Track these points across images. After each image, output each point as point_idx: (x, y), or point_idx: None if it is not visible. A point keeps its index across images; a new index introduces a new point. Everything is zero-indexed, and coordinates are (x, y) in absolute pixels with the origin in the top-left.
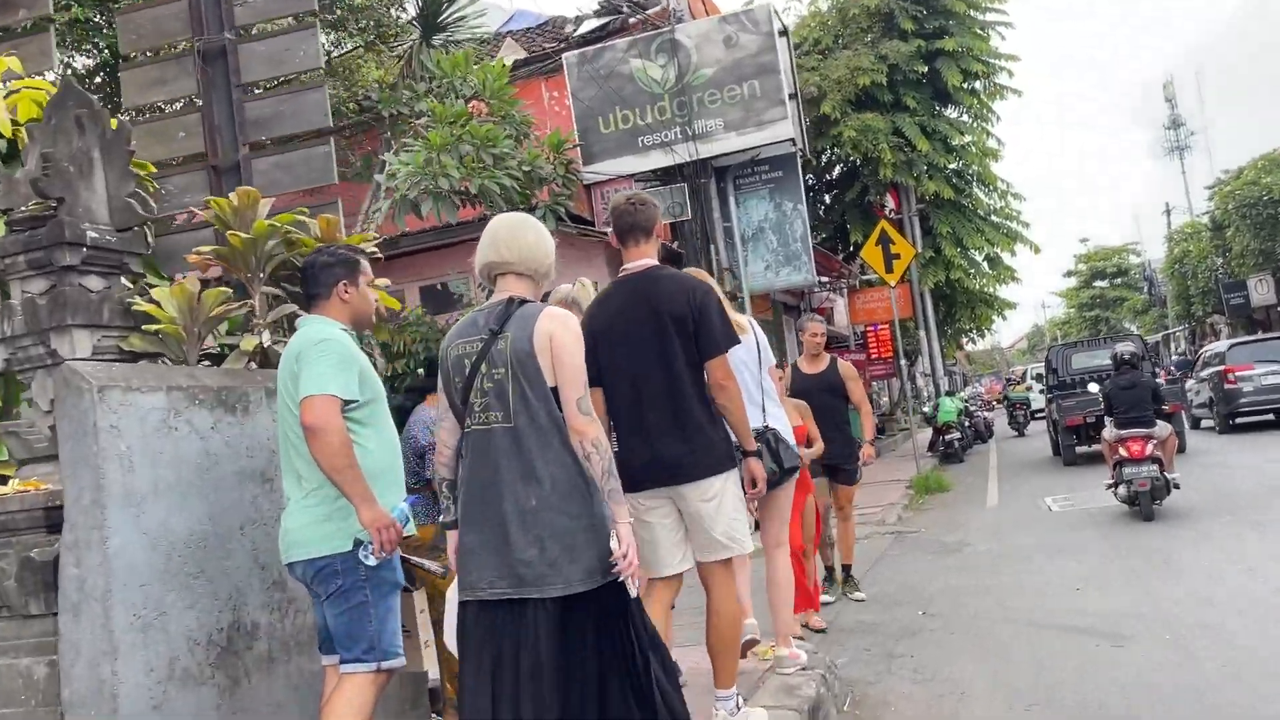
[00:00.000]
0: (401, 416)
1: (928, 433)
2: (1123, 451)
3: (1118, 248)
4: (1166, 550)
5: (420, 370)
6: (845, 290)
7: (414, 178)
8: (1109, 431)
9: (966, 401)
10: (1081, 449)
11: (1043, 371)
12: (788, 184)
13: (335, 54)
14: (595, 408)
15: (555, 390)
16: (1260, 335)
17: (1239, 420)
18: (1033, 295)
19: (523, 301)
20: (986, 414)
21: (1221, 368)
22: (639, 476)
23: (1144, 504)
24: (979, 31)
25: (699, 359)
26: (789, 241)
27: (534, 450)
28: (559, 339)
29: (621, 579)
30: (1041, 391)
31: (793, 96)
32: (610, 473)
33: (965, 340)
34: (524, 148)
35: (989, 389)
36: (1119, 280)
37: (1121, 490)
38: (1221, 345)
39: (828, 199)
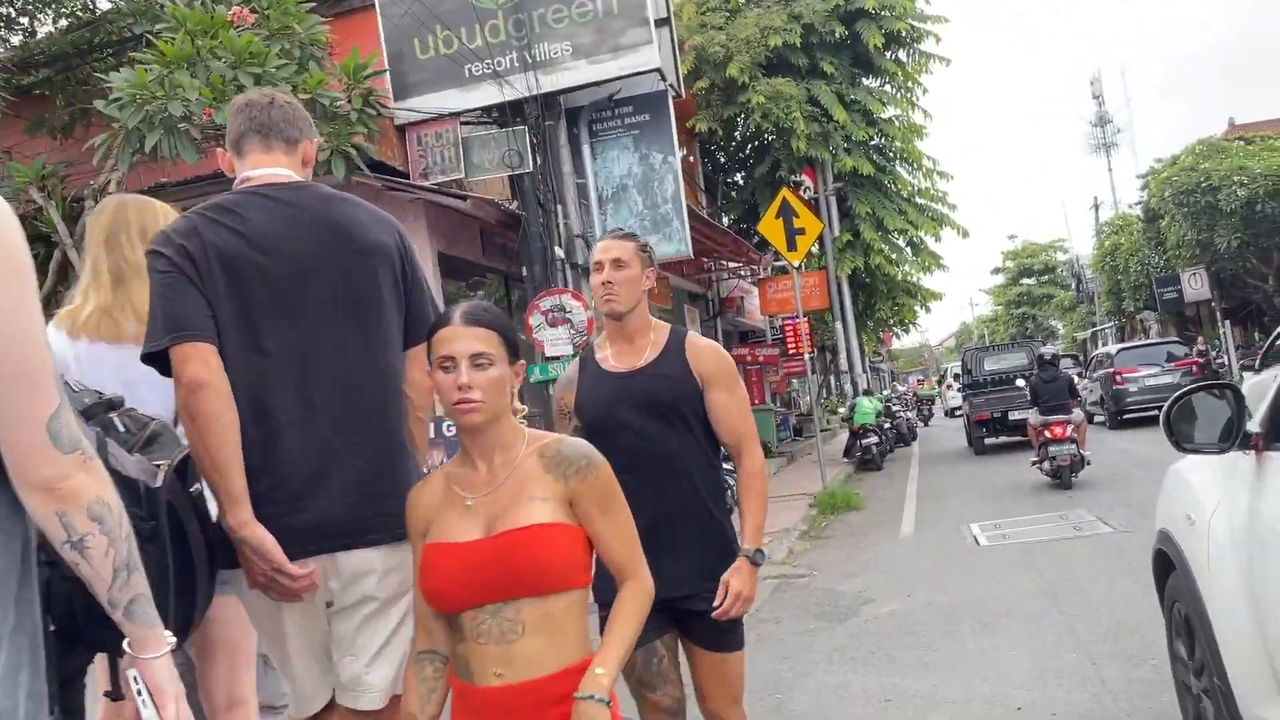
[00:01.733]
0: None
1: (845, 436)
2: (1047, 434)
3: (1045, 244)
4: (1144, 625)
5: None
6: (757, 279)
7: (138, 101)
8: (1034, 418)
9: (888, 400)
10: (990, 440)
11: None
12: (657, 130)
13: None
14: (210, 392)
15: None
16: (1144, 341)
17: (1126, 416)
18: (961, 293)
19: None
20: (909, 415)
21: (1111, 369)
22: (305, 529)
23: (1064, 476)
24: None
25: (404, 339)
26: (658, 203)
27: None
28: None
29: None
30: (959, 390)
31: (663, 21)
32: (129, 565)
33: (889, 335)
34: (310, 74)
35: (911, 387)
36: (1046, 278)
37: (1046, 465)
38: (1111, 349)
39: (739, 178)
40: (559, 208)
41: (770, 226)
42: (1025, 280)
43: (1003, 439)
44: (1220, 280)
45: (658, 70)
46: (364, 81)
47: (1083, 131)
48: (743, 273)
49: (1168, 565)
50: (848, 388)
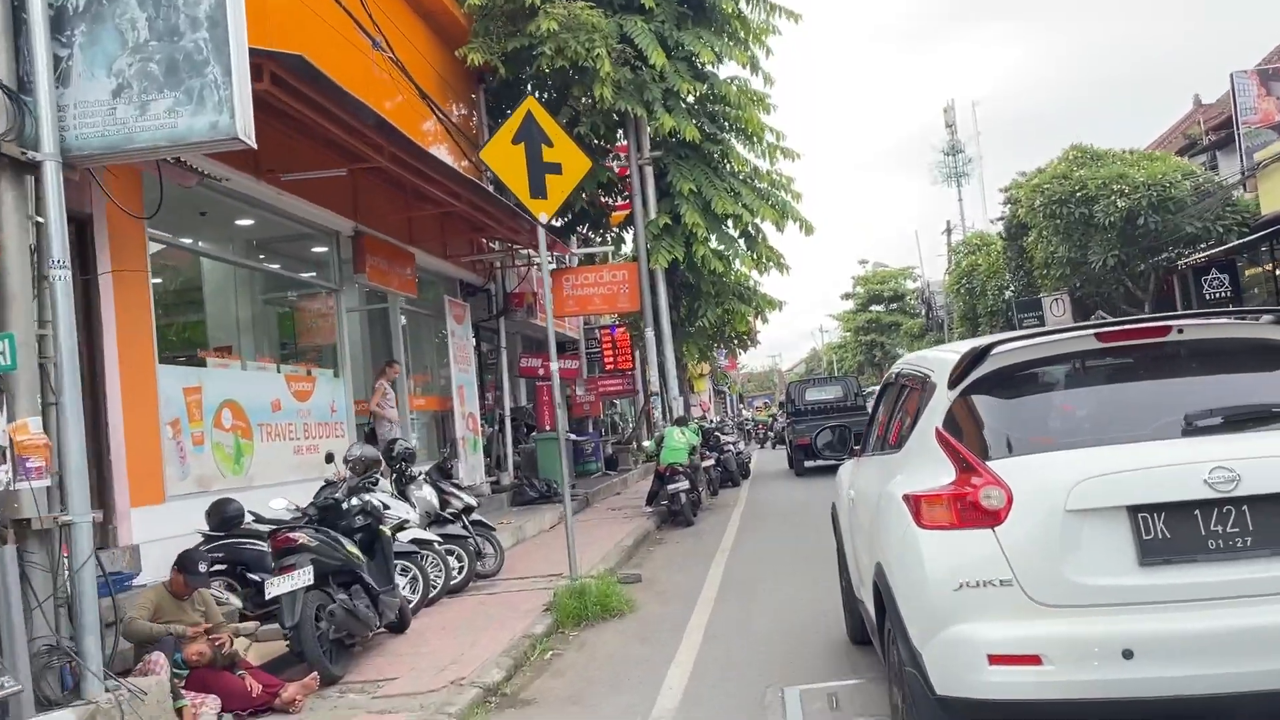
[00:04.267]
0: None
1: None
2: None
3: (894, 271)
4: None
5: None
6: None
7: None
8: None
9: (715, 429)
10: (809, 463)
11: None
12: None
13: None
14: None
15: None
16: None
17: None
18: (812, 318)
19: None
20: (740, 447)
21: None
22: None
23: None
24: None
25: None
26: (179, 28)
27: None
28: None
29: None
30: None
31: None
32: None
33: (726, 354)
34: None
35: (756, 411)
36: (895, 305)
37: None
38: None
39: None
40: None
41: (501, 155)
42: (874, 307)
43: (819, 462)
44: (1089, 306)
45: None
46: None
47: (934, 161)
48: (536, 259)
49: (835, 519)
50: (657, 414)
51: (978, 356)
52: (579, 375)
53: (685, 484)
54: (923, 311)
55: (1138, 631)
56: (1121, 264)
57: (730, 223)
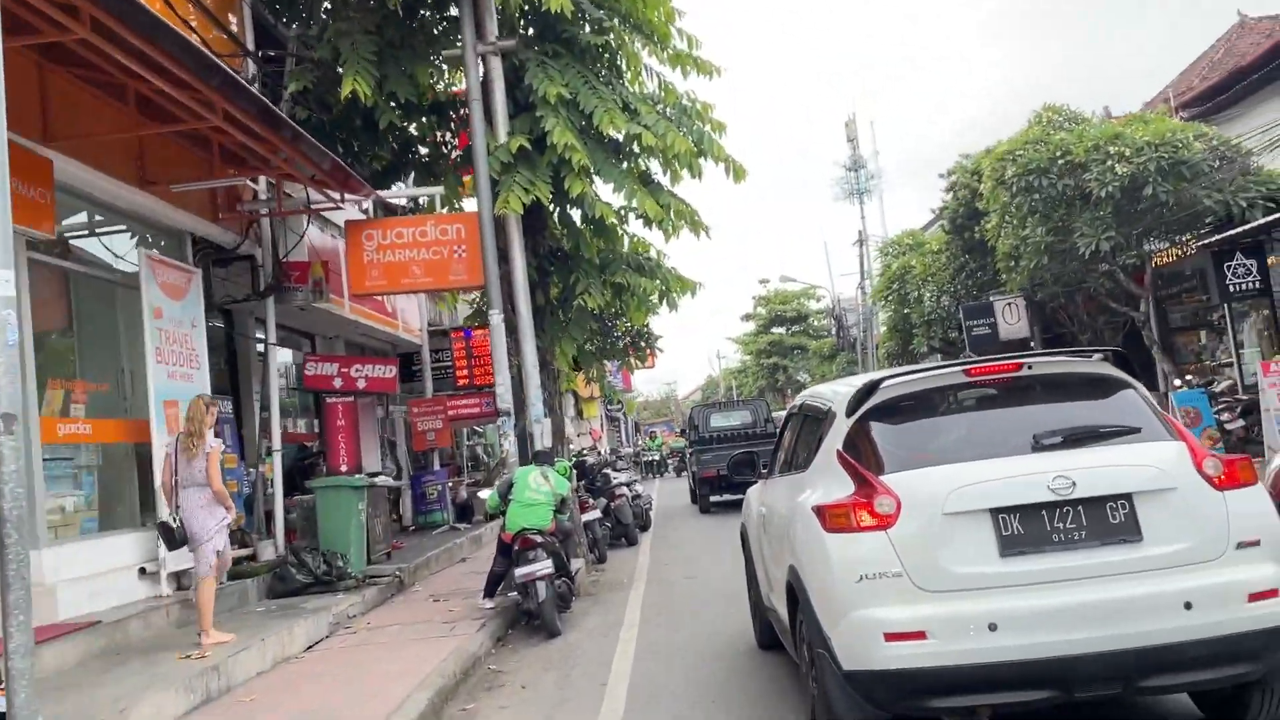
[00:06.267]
0: None
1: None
2: None
3: (796, 291)
4: None
5: None
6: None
7: None
8: None
9: (600, 464)
10: (716, 498)
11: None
12: None
13: None
14: None
15: None
16: None
17: None
18: (706, 346)
19: None
20: (637, 489)
21: None
22: None
23: None
24: None
25: None
26: None
27: None
28: None
29: None
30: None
31: None
32: None
33: (619, 365)
34: None
35: (665, 438)
36: (797, 328)
37: None
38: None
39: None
40: None
41: None
42: (776, 329)
43: (727, 497)
44: (1049, 311)
45: None
46: None
47: (835, 177)
48: (320, 201)
49: (744, 537)
50: (506, 444)
51: (870, 389)
52: (396, 388)
53: (546, 565)
54: (833, 330)
55: (1001, 609)
56: (1120, 248)
57: (619, 157)
